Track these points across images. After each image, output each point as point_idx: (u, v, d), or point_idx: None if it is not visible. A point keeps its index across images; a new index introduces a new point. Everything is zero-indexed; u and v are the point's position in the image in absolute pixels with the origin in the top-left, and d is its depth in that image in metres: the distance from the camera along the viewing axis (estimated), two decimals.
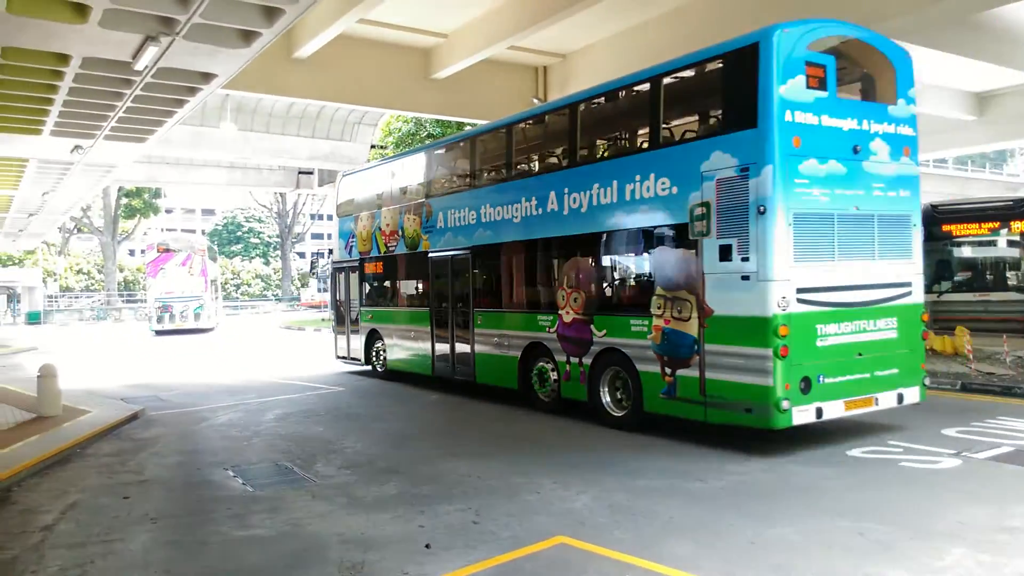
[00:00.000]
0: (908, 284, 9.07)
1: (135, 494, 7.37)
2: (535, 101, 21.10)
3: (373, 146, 31.64)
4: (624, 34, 18.45)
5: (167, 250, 35.83)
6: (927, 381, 9.36)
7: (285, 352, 23.41)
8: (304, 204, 69.19)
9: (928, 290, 16.42)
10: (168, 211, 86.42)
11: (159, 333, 33.94)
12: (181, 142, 29.46)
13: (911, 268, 9.13)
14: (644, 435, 9.28)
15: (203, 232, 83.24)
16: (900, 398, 8.82)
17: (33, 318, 48.50)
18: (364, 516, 6.43)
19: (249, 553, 5.71)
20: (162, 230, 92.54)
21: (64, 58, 10.08)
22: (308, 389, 14.43)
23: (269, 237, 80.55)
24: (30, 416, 11.18)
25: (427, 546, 5.65)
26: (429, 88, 19.62)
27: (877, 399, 8.63)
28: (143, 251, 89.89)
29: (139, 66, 10.12)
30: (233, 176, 40.32)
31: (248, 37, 9.49)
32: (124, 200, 58.90)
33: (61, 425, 10.37)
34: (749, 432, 8.41)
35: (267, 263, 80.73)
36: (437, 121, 26.87)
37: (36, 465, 8.34)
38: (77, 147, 16.05)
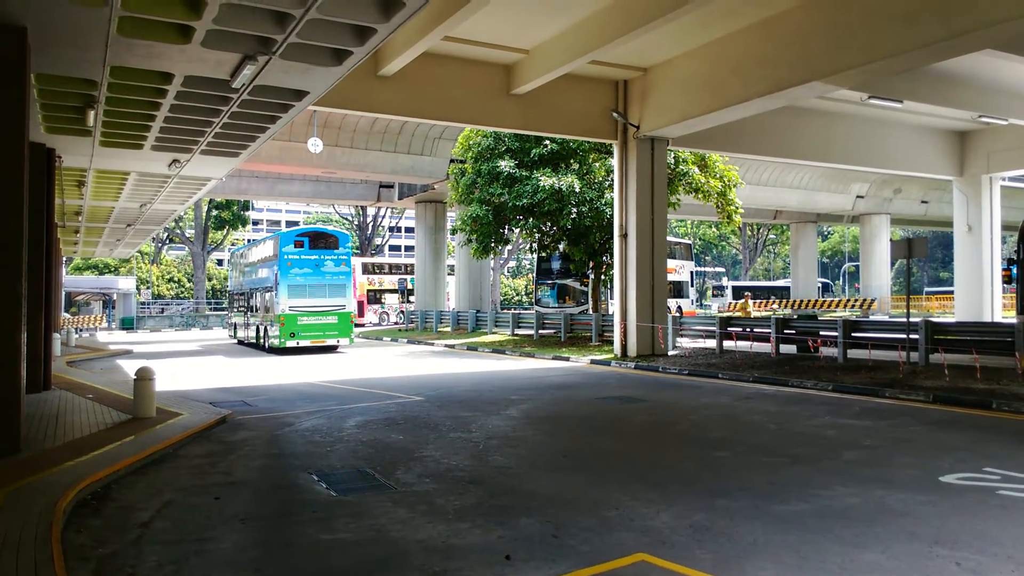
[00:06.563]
0: (343, 305, 27.80)
1: (225, 495, 7.64)
2: (615, 115, 21.06)
3: (452, 160, 31.87)
4: (707, 47, 18.26)
5: None
6: (354, 338, 28.89)
7: (364, 359, 23.87)
8: (384, 217, 70.59)
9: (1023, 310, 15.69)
10: (255, 223, 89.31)
11: None
12: (269, 156, 30.64)
13: (344, 301, 27.87)
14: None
15: None
16: (339, 342, 27.74)
17: (127, 323, 50.82)
18: (444, 525, 6.51)
19: (334, 556, 5.85)
20: (248, 241, 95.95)
21: (167, 76, 10.61)
22: (387, 397, 14.69)
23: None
24: (126, 417, 11.72)
25: (507, 557, 5.68)
26: (510, 103, 19.79)
27: (327, 341, 27.42)
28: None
29: (236, 84, 10.58)
30: (318, 189, 41.56)
31: (340, 56, 9.81)
32: (214, 212, 61.28)
33: (155, 427, 10.83)
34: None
35: None
36: (515, 136, 26.64)
37: (133, 464, 8.73)
38: (175, 161, 16.81)
